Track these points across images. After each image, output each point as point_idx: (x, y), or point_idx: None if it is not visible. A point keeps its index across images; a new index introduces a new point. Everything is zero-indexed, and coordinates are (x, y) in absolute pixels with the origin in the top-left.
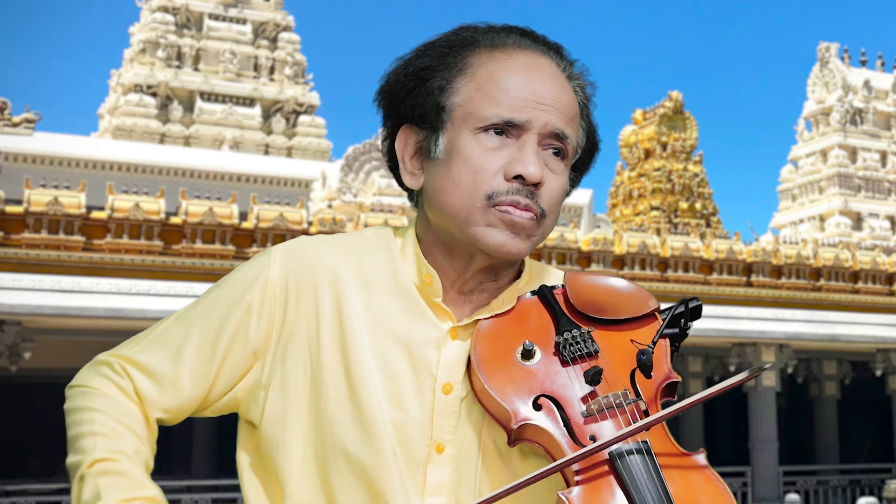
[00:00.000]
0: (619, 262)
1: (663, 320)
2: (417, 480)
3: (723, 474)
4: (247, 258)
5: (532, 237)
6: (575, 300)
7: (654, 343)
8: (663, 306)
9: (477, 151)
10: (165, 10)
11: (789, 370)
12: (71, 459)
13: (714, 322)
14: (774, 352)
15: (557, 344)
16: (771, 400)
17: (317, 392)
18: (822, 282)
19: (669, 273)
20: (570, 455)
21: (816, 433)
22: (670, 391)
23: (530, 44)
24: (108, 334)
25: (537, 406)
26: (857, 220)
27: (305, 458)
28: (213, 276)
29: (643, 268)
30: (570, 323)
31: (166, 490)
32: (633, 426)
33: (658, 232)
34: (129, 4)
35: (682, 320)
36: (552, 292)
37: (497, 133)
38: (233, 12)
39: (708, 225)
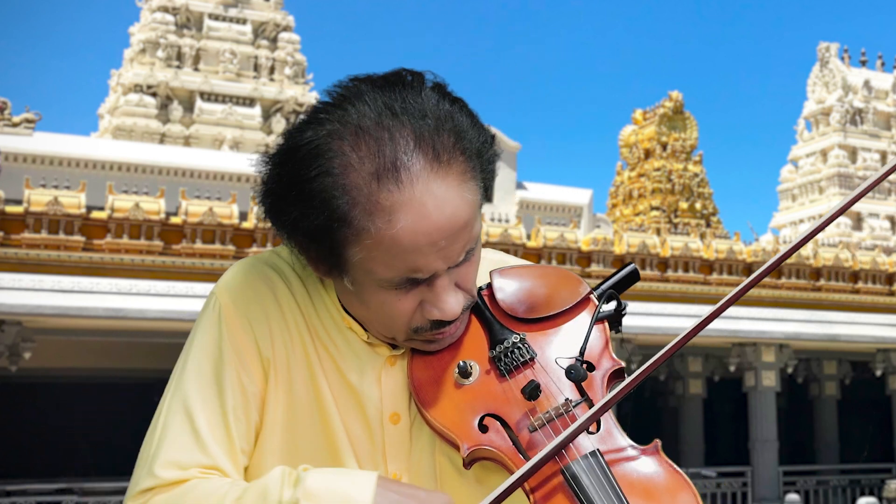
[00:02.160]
0: (619, 262)
1: (599, 298)
2: None
3: (723, 474)
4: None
5: (465, 320)
6: (503, 302)
7: (583, 352)
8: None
9: (389, 300)
10: (165, 10)
11: (789, 370)
12: None
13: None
14: (774, 352)
15: (492, 358)
16: (771, 400)
17: (292, 422)
18: (822, 282)
19: (669, 273)
20: (519, 474)
21: (816, 433)
22: (618, 376)
23: (416, 166)
24: (108, 334)
25: (483, 427)
26: (857, 221)
27: None
28: (213, 276)
29: (643, 268)
30: (503, 329)
31: None
32: (563, 435)
33: (658, 232)
34: (129, 4)
35: (617, 298)
36: (481, 296)
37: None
38: (233, 12)
39: (708, 225)
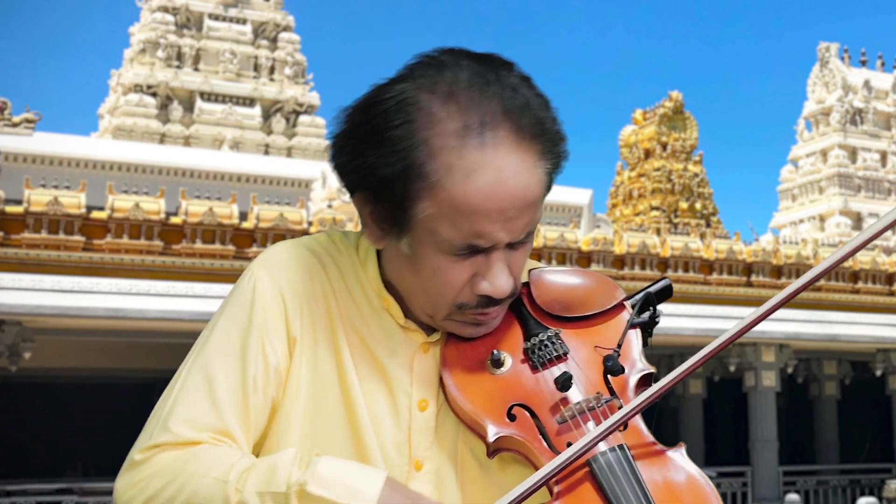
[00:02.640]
0: (619, 262)
1: (634, 307)
2: None
3: (723, 474)
4: (247, 258)
5: (504, 311)
6: (540, 299)
7: (620, 344)
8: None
9: (444, 266)
10: (165, 10)
11: (789, 370)
12: None
13: (714, 322)
14: (774, 352)
15: (526, 350)
16: (771, 400)
17: (314, 405)
18: (822, 282)
19: (669, 273)
20: (545, 470)
21: (816, 433)
22: (646, 382)
23: (501, 132)
24: (108, 334)
25: (512, 416)
26: (857, 220)
27: None
28: (213, 276)
29: (643, 268)
30: (538, 325)
31: None
32: (603, 426)
33: (658, 232)
34: (129, 4)
35: (652, 307)
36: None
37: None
38: (233, 12)
39: (708, 225)
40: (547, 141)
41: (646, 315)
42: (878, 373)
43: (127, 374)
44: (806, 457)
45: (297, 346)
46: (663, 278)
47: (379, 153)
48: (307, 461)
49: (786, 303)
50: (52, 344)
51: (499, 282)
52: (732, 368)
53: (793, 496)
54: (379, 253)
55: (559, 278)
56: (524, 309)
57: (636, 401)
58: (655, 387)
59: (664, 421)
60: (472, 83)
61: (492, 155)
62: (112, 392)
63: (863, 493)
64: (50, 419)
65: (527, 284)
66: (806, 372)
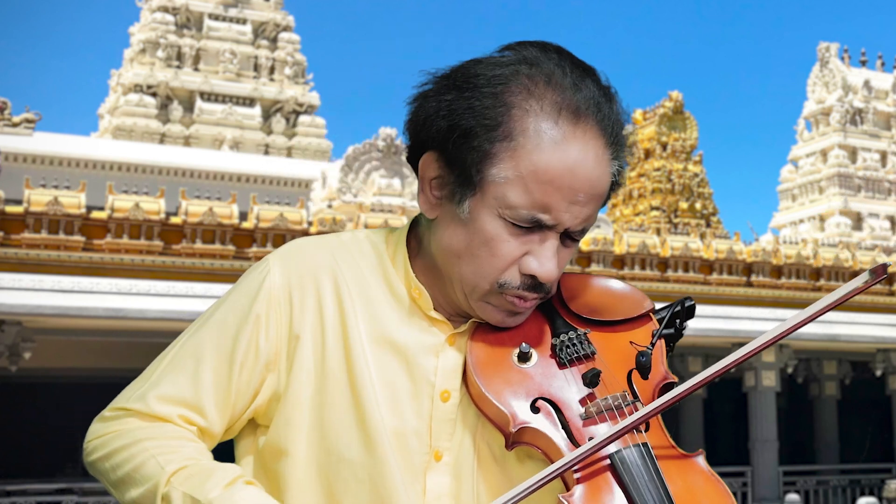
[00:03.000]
0: (619, 262)
1: (660, 321)
2: (417, 489)
3: (723, 474)
4: (247, 258)
5: (533, 308)
6: (570, 301)
7: (653, 344)
8: (658, 306)
9: (501, 235)
10: (165, 10)
11: (789, 370)
12: (135, 493)
13: (714, 322)
14: (774, 352)
15: (554, 346)
16: (771, 400)
17: (321, 398)
18: (822, 282)
19: (669, 273)
20: (569, 457)
21: (816, 433)
22: (667, 390)
23: (591, 120)
24: (108, 334)
25: (535, 409)
26: (857, 220)
27: (308, 466)
28: (213, 276)
29: (643, 268)
30: (566, 325)
31: None
32: (630, 419)
33: (658, 232)
34: (129, 4)
35: (678, 321)
36: None
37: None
38: (233, 12)
39: (708, 225)
40: (620, 149)
41: (671, 329)
42: (878, 373)
43: (127, 374)
44: (806, 457)
45: (301, 344)
46: (688, 298)
47: (472, 109)
48: (238, 483)
49: (757, 351)
50: (52, 344)
51: (548, 263)
52: (732, 368)
53: (793, 496)
54: (409, 246)
55: (589, 283)
56: (553, 308)
57: (659, 401)
58: (678, 389)
59: (664, 421)
60: (574, 73)
61: (581, 136)
62: (112, 392)
63: (863, 493)
64: (50, 419)
65: (557, 285)
66: (806, 372)
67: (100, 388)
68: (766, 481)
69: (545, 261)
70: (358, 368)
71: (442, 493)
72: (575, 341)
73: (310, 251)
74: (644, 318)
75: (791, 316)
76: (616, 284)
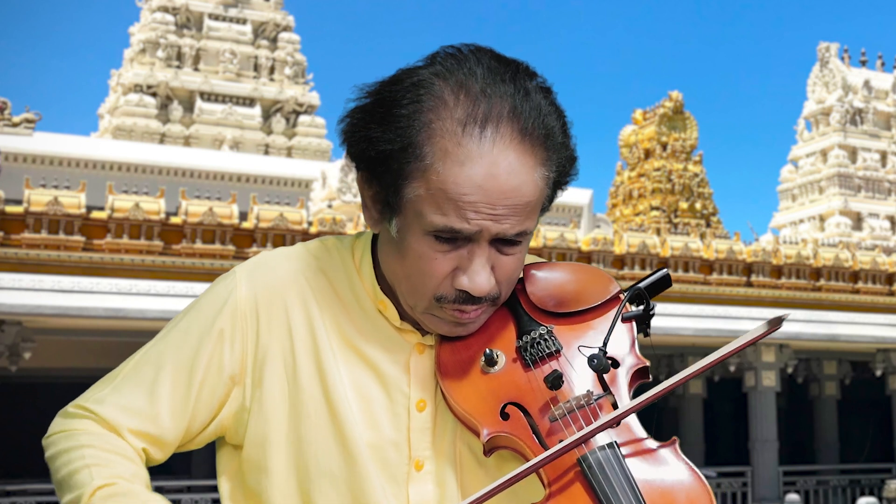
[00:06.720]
0: (619, 262)
1: (619, 308)
2: (401, 499)
3: (723, 474)
4: (247, 258)
5: (486, 315)
6: (534, 295)
7: (606, 342)
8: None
9: (428, 253)
10: (165, 10)
11: (789, 370)
12: (67, 498)
13: (714, 322)
14: (774, 352)
15: (519, 348)
16: (771, 400)
17: (296, 413)
18: (822, 282)
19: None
20: (530, 462)
21: (816, 433)
22: (642, 375)
23: (503, 128)
24: (108, 334)
25: (505, 415)
26: (857, 220)
27: (288, 481)
28: (213, 276)
29: (643, 268)
30: (531, 322)
31: (167, 490)
32: (586, 430)
33: (658, 232)
34: (129, 4)
35: (646, 300)
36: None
37: (446, 238)
38: (233, 12)
39: (708, 225)
40: (551, 149)
41: (639, 308)
42: (878, 373)
43: None
44: (806, 457)
45: (270, 359)
46: (662, 268)
47: (383, 129)
48: (102, 495)
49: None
50: (52, 344)
51: (478, 279)
52: (732, 368)
53: (793, 496)
54: (374, 254)
55: (552, 273)
56: (518, 305)
57: (623, 407)
58: (645, 395)
59: (664, 421)
60: (486, 79)
61: (489, 148)
62: None
63: (863, 493)
64: (50, 419)
65: (521, 280)
66: (806, 372)
67: None
68: (766, 481)
69: (474, 275)
70: (331, 382)
71: (426, 501)
72: (538, 340)
73: (277, 265)
74: (612, 301)
75: (790, 316)
76: (580, 271)
